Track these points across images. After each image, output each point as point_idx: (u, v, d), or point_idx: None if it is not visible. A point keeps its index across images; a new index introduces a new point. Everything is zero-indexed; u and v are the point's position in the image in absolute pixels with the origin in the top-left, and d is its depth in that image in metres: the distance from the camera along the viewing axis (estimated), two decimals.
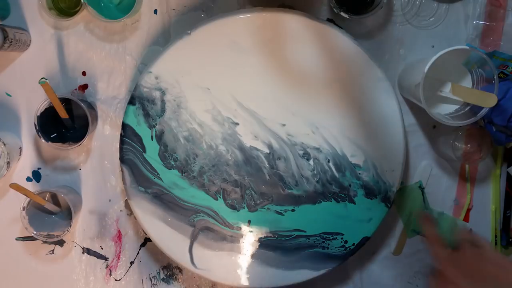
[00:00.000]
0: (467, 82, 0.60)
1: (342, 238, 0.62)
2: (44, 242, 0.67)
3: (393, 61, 0.66)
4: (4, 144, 0.62)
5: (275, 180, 0.62)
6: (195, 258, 0.62)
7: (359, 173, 0.62)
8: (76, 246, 0.68)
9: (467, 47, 0.56)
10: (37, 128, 0.61)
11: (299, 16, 0.60)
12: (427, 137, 0.67)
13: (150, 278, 0.68)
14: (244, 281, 0.63)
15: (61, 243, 0.68)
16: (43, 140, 0.61)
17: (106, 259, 0.68)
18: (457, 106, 0.60)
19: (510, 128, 0.59)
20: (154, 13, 0.66)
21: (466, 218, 0.68)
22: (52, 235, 0.63)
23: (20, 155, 0.67)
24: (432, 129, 0.67)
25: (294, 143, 0.62)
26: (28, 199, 0.61)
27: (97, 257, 0.68)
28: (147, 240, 0.68)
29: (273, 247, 0.63)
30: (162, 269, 0.69)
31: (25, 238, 0.68)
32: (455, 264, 0.51)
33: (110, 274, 0.68)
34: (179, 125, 0.62)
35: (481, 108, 0.55)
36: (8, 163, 0.62)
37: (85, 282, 0.68)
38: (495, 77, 0.55)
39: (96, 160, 0.67)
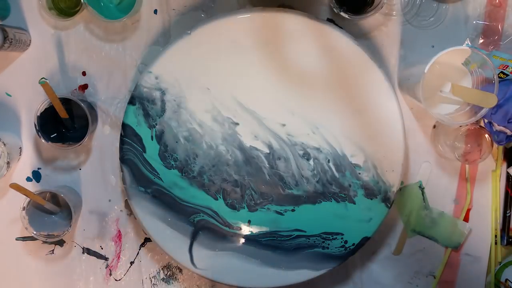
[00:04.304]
0: (467, 82, 0.60)
1: (342, 238, 0.62)
2: (44, 242, 0.67)
3: (393, 61, 0.66)
4: (4, 144, 0.62)
5: (275, 180, 0.62)
6: (195, 258, 0.62)
7: (359, 173, 0.62)
8: (76, 246, 0.68)
9: (467, 47, 0.56)
10: (37, 128, 0.61)
11: (299, 16, 0.60)
12: (427, 137, 0.67)
13: (150, 278, 0.68)
14: (244, 281, 0.63)
15: (61, 243, 0.68)
16: (43, 140, 0.61)
17: (106, 259, 0.68)
18: (457, 106, 0.60)
19: (510, 128, 0.59)
20: (154, 13, 0.66)
21: (466, 218, 0.67)
22: (52, 235, 0.63)
23: (20, 155, 0.67)
24: (432, 129, 0.67)
25: (294, 143, 0.62)
26: (28, 199, 0.61)
27: (97, 257, 0.68)
28: (147, 240, 0.68)
29: (273, 247, 0.63)
30: (162, 269, 0.69)
31: (25, 238, 0.68)
32: None
33: (110, 274, 0.68)
34: (179, 125, 0.62)
35: (481, 108, 0.55)
36: (8, 163, 0.62)
37: (85, 282, 0.68)
38: (495, 77, 0.55)
39: (96, 160, 0.67)
